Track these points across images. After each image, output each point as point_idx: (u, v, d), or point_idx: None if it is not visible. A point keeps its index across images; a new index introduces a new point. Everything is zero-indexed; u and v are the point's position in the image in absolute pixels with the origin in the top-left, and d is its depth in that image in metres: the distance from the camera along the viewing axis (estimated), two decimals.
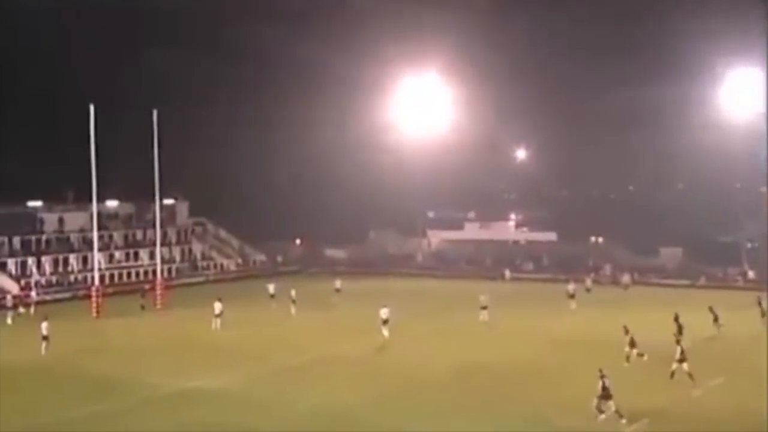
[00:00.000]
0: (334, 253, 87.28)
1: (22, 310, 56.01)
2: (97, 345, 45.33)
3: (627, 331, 37.28)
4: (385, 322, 45.01)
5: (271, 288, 58.43)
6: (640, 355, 36.68)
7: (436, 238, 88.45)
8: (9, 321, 52.76)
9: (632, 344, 36.90)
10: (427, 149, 77.95)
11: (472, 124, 77.28)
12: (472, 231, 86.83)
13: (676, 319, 41.70)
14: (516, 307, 55.18)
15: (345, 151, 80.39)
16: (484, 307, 50.39)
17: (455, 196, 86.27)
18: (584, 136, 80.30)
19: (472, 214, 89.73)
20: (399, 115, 78.73)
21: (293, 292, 55.01)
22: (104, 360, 41.01)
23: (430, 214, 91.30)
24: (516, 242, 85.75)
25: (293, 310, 54.51)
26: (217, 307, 49.33)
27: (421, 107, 78.76)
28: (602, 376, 28.79)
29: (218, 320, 48.95)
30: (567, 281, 59.80)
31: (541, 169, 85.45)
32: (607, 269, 73.22)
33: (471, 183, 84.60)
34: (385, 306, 45.49)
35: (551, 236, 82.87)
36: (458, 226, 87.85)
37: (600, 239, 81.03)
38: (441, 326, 49.16)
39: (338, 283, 62.00)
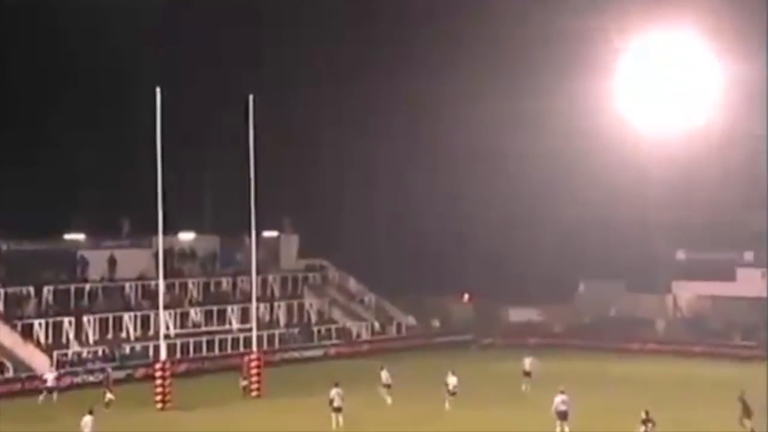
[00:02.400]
0: (522, 315, 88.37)
1: (41, 397, 59.32)
2: None
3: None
4: (562, 415, 46.79)
5: (384, 376, 58.33)
6: None
7: (690, 293, 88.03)
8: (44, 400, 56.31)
9: None
10: (673, 155, 78.21)
11: (749, 115, 77.02)
12: (750, 283, 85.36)
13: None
14: None
15: (538, 159, 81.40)
16: None
17: (720, 228, 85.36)
18: None
19: (749, 256, 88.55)
20: (626, 103, 79.45)
21: (452, 380, 56.21)
22: None
23: (680, 256, 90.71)
24: None
25: (448, 404, 55.73)
26: (336, 395, 51.00)
27: (662, 91, 79.20)
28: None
29: (339, 416, 50.74)
30: None
31: None
32: None
33: (747, 208, 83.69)
34: (562, 392, 47.35)
35: None
36: (727, 275, 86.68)
37: None
38: None
39: (528, 363, 62.69)
